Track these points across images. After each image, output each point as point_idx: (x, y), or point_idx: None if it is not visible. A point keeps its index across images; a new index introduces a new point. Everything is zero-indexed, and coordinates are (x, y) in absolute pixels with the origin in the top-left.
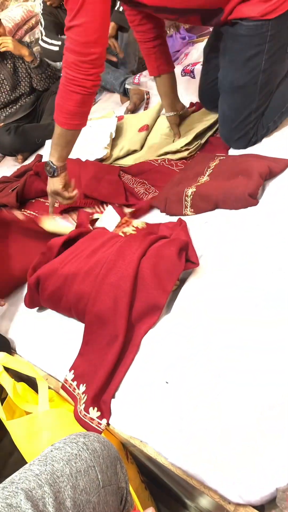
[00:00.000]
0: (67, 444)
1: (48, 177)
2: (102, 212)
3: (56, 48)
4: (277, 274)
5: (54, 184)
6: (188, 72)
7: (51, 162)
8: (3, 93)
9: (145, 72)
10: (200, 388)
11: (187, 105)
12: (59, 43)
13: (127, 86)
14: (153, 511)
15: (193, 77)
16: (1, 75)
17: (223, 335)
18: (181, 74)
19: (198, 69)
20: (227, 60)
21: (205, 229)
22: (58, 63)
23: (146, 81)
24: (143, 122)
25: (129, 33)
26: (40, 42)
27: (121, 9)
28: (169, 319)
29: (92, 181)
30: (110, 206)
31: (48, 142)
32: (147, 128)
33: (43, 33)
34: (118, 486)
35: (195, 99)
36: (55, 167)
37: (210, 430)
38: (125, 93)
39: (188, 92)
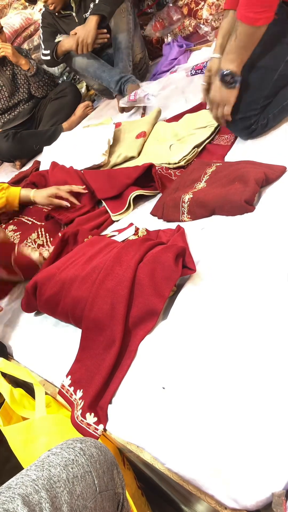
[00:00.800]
0: (64, 449)
1: (220, 90)
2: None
3: (48, 58)
4: (274, 280)
5: (230, 98)
6: (200, 69)
7: (231, 70)
8: (2, 100)
9: (140, 90)
10: (196, 394)
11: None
12: (48, 51)
13: (121, 104)
14: None
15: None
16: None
17: (219, 341)
18: (190, 73)
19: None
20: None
21: (202, 235)
22: (56, 69)
23: (143, 97)
24: (140, 129)
25: (121, 40)
26: (41, 56)
27: (97, 1)
28: (166, 324)
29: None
30: (133, 226)
31: (46, 149)
32: (144, 135)
33: (43, 47)
34: (115, 492)
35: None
36: (238, 77)
37: (206, 435)
38: (120, 92)
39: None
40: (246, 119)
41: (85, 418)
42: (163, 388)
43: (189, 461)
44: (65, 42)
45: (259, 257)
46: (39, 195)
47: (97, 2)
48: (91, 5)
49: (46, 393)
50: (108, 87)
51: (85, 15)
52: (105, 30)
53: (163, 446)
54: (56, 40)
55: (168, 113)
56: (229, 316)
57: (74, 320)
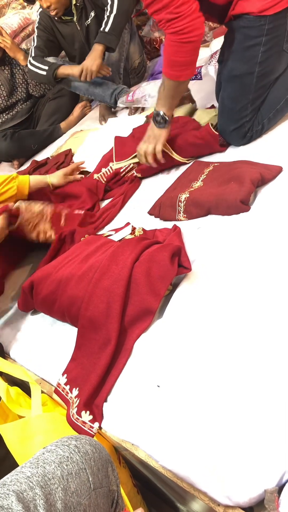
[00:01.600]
0: (58, 446)
1: (153, 129)
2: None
3: (43, 73)
4: (269, 279)
5: (161, 136)
6: (195, 74)
7: (162, 113)
8: (0, 99)
9: (138, 90)
10: (191, 392)
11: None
12: (46, 67)
13: (119, 104)
14: (142, 511)
15: (200, 78)
16: None
17: (214, 340)
18: None
19: (203, 72)
20: (229, 51)
21: (198, 234)
22: None
23: (140, 97)
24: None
25: (112, 55)
26: (28, 64)
27: (106, 29)
28: (162, 323)
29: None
30: (130, 226)
31: (45, 150)
32: None
33: (32, 54)
34: (109, 489)
35: (207, 100)
36: (167, 117)
37: (200, 433)
38: (116, 103)
39: (200, 93)
40: (241, 128)
41: (80, 416)
42: (158, 386)
43: (183, 458)
44: (68, 68)
45: (254, 257)
46: (55, 176)
47: (106, 30)
48: (92, 13)
49: (42, 392)
50: (103, 101)
51: (86, 23)
52: (109, 68)
53: (157, 444)
54: (53, 63)
55: None
56: (224, 315)
57: (70, 319)
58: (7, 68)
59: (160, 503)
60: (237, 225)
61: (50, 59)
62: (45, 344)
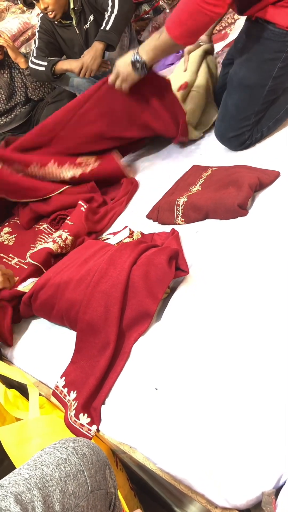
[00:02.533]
0: (56, 449)
1: (126, 67)
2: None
3: (42, 69)
4: (267, 282)
5: (133, 80)
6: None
7: (143, 61)
8: None
9: None
10: (188, 395)
11: None
12: (45, 63)
13: None
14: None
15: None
16: None
17: (212, 343)
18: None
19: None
20: (244, 58)
21: (196, 238)
22: None
23: None
24: (181, 79)
25: (112, 57)
26: (29, 63)
27: (107, 28)
28: (160, 326)
29: None
30: (127, 229)
31: None
32: (186, 86)
33: (34, 54)
34: (107, 491)
35: None
36: (146, 68)
37: (198, 436)
38: None
39: None
40: (240, 136)
41: (78, 419)
42: (156, 389)
43: (180, 461)
44: (67, 63)
45: (252, 261)
46: None
47: (107, 29)
48: (91, 17)
49: (40, 394)
50: None
51: (85, 27)
52: (108, 62)
53: (155, 446)
54: (52, 59)
55: None
56: (222, 318)
57: (69, 323)
58: (6, 71)
59: (157, 506)
60: (235, 229)
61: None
62: (43, 347)
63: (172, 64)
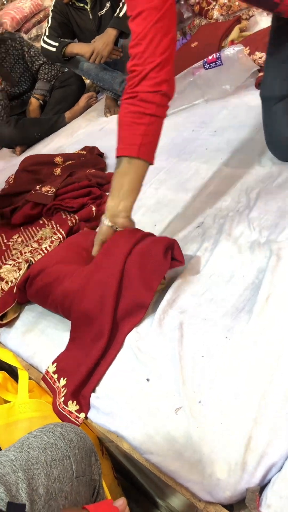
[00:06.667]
0: (44, 433)
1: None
2: None
3: (53, 49)
4: (261, 277)
5: None
6: (214, 61)
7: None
8: (7, 87)
9: None
10: (179, 387)
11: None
12: (56, 44)
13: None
14: (124, 501)
15: (221, 64)
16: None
17: (205, 335)
18: (205, 67)
19: (226, 55)
20: None
21: (194, 231)
22: None
23: None
24: None
25: (125, 44)
26: (41, 41)
27: (121, 14)
28: (153, 318)
29: None
30: None
31: (48, 138)
32: None
33: (46, 33)
34: (91, 478)
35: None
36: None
37: (185, 428)
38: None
39: (221, 82)
40: None
41: (67, 406)
42: (147, 380)
43: (167, 452)
44: (78, 47)
45: (251, 251)
46: None
47: (121, 15)
48: (107, 4)
49: (30, 378)
50: (111, 89)
51: (100, 13)
52: (120, 49)
53: (142, 437)
54: (63, 40)
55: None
56: (217, 310)
57: (63, 312)
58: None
59: (140, 497)
60: (235, 222)
61: None
62: (37, 331)
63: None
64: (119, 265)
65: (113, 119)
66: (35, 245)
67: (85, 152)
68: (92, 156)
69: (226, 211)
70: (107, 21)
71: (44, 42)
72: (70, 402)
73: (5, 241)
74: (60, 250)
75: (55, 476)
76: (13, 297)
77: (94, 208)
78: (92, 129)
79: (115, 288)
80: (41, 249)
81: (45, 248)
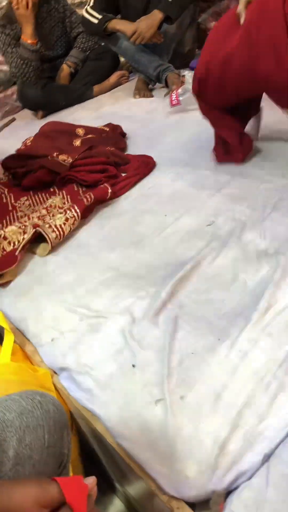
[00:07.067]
0: (23, 398)
1: None
2: None
3: (95, 21)
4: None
5: None
6: None
7: None
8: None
9: (181, 89)
10: (163, 379)
11: None
12: (100, 17)
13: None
14: (94, 480)
15: None
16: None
17: (198, 334)
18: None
19: None
20: None
21: (206, 230)
22: None
23: (188, 97)
24: None
25: (169, 30)
26: (84, 11)
27: None
28: (151, 306)
29: None
30: None
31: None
32: None
33: (91, 3)
34: (61, 451)
35: None
36: None
37: (163, 421)
38: (158, 79)
39: None
40: None
41: None
42: (133, 366)
43: (141, 441)
44: (121, 23)
45: (256, 258)
46: None
47: (170, 0)
48: None
49: (15, 342)
50: (145, 72)
51: None
52: (162, 35)
53: (118, 421)
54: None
55: None
56: (214, 311)
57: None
58: (47, 21)
59: (98, 478)
60: (247, 228)
61: None
62: (30, 297)
63: None
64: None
65: (141, 102)
66: (44, 211)
67: (107, 129)
68: (114, 134)
69: (240, 215)
70: (155, 3)
71: (87, 12)
72: None
73: (13, 201)
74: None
75: (26, 443)
76: (14, 260)
77: (109, 190)
78: (118, 108)
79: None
80: (56, 226)
81: (59, 225)
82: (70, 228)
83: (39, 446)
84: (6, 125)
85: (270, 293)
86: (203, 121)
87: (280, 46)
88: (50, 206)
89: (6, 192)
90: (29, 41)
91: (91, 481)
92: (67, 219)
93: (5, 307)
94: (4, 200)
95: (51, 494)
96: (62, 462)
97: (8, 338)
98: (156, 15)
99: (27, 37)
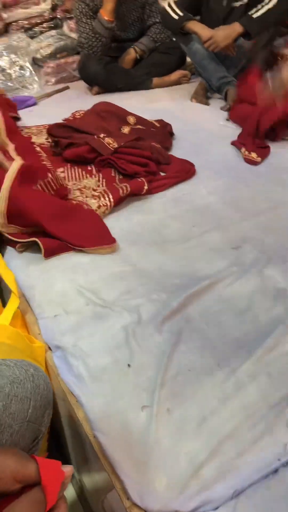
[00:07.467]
0: (17, 366)
1: None
2: None
3: (175, 17)
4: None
5: None
6: None
7: None
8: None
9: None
10: (155, 387)
11: None
12: (181, 14)
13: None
14: (71, 469)
15: None
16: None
17: (199, 353)
18: None
19: None
20: None
21: (231, 252)
22: None
23: None
24: None
25: (243, 45)
26: (167, 4)
27: (255, 16)
28: (161, 313)
29: None
30: None
31: (127, 93)
32: None
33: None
34: (39, 428)
35: None
36: None
37: (145, 427)
38: (219, 90)
39: None
40: None
41: None
42: (129, 365)
43: (118, 440)
44: (200, 27)
45: (273, 295)
46: None
47: (254, 16)
48: None
49: (18, 308)
50: (208, 79)
51: (234, 4)
52: (236, 49)
53: (101, 414)
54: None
55: None
56: (219, 335)
57: None
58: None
59: (59, 458)
60: (272, 263)
61: None
62: (42, 268)
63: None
64: None
65: (196, 107)
66: (77, 192)
67: (158, 125)
68: (163, 132)
69: (267, 247)
70: (237, 15)
71: (170, 6)
72: None
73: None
74: None
75: (11, 411)
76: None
77: (146, 187)
78: (172, 106)
79: None
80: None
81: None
82: (101, 216)
83: (21, 418)
84: (59, 91)
85: (279, 333)
86: None
87: None
88: (84, 187)
89: (45, 157)
90: (106, 18)
91: (69, 469)
92: (99, 206)
93: (17, 269)
94: (44, 163)
95: (28, 472)
96: (37, 437)
97: (13, 302)
98: (236, 28)
99: (106, 13)
